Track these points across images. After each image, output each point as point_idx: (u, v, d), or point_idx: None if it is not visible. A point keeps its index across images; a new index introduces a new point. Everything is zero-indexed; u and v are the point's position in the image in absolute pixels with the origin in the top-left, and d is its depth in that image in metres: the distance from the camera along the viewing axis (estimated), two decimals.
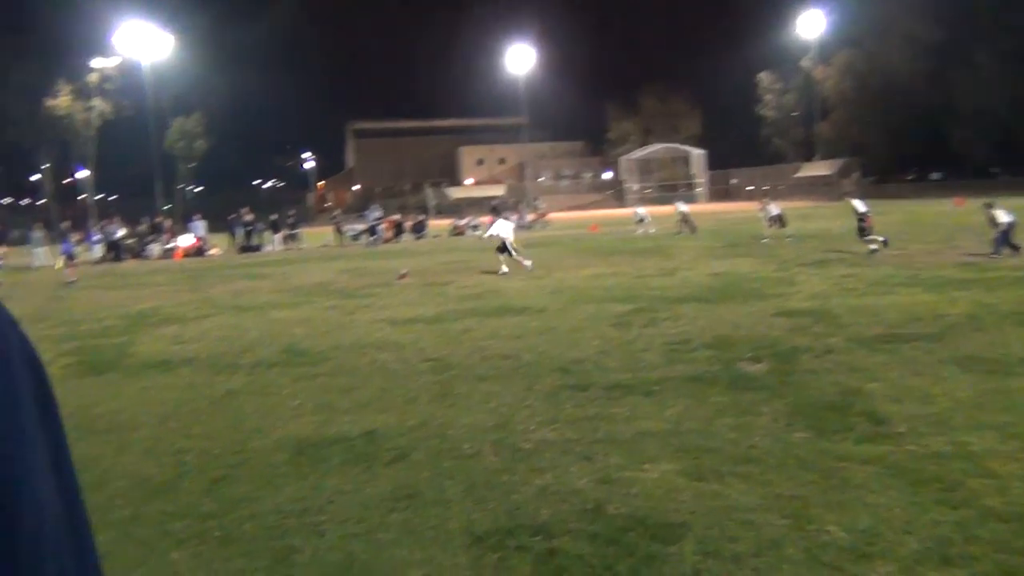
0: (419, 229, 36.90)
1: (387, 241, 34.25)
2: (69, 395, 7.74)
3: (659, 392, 6.65)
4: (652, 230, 28.66)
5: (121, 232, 32.72)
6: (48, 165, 77.55)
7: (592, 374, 7.45)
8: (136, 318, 13.60)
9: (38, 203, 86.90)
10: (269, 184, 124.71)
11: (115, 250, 31.73)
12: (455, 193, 76.82)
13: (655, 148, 76.07)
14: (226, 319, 12.92)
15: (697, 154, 74.40)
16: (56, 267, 23.40)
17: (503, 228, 18.26)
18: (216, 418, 6.69)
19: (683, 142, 77.07)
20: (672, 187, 71.05)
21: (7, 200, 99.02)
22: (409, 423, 6.18)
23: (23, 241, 35.16)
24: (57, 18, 65.83)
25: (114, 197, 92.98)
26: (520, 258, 17.60)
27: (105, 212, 55.89)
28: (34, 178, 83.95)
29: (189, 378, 8.37)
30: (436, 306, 12.88)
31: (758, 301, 11.43)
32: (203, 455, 5.68)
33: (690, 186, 72.24)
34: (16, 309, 0.87)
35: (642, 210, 30.80)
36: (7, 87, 70.12)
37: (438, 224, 42.13)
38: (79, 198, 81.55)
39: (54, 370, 9.16)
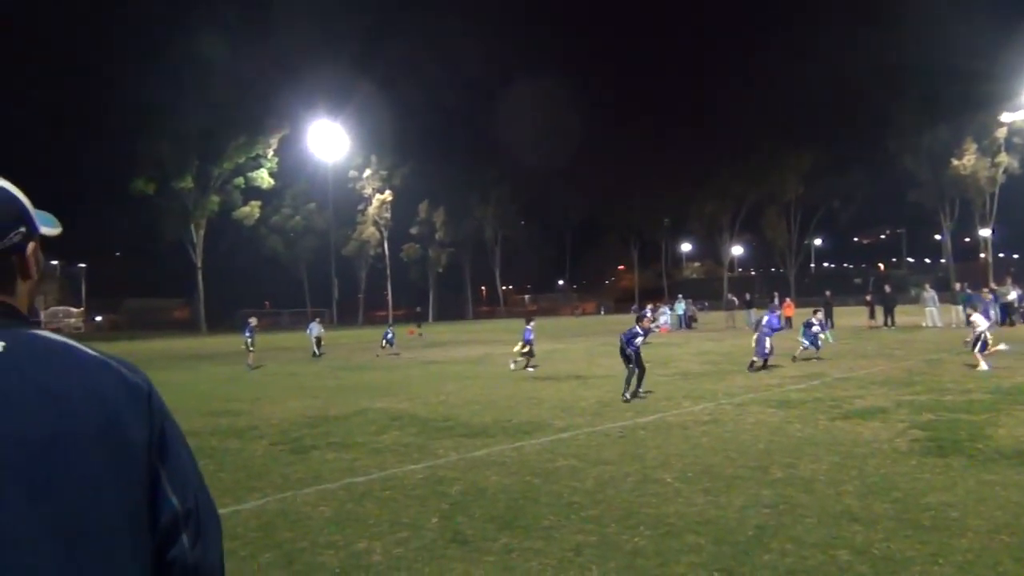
0: None
1: None
2: (902, 477, 7.27)
3: None
4: None
5: (1015, 294, 30.51)
6: (949, 225, 78.04)
7: None
8: (1007, 394, 12.25)
9: (939, 262, 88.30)
10: None
11: (1007, 313, 29.78)
12: None
13: None
14: None
15: None
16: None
17: None
18: None
19: None
20: None
21: (911, 260, 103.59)
22: None
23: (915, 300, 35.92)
24: (967, 75, 65.89)
25: (1015, 256, 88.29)
26: None
27: (1001, 271, 53.30)
28: (936, 238, 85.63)
29: None
30: None
31: None
32: None
33: None
34: None
35: None
36: (916, 150, 73.32)
37: None
38: (980, 256, 79.93)
39: (900, 442, 8.81)
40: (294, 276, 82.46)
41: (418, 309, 72.77)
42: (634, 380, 13.18)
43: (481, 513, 6.52)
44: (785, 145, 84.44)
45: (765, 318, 18.62)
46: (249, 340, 24.24)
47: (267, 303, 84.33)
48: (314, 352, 29.28)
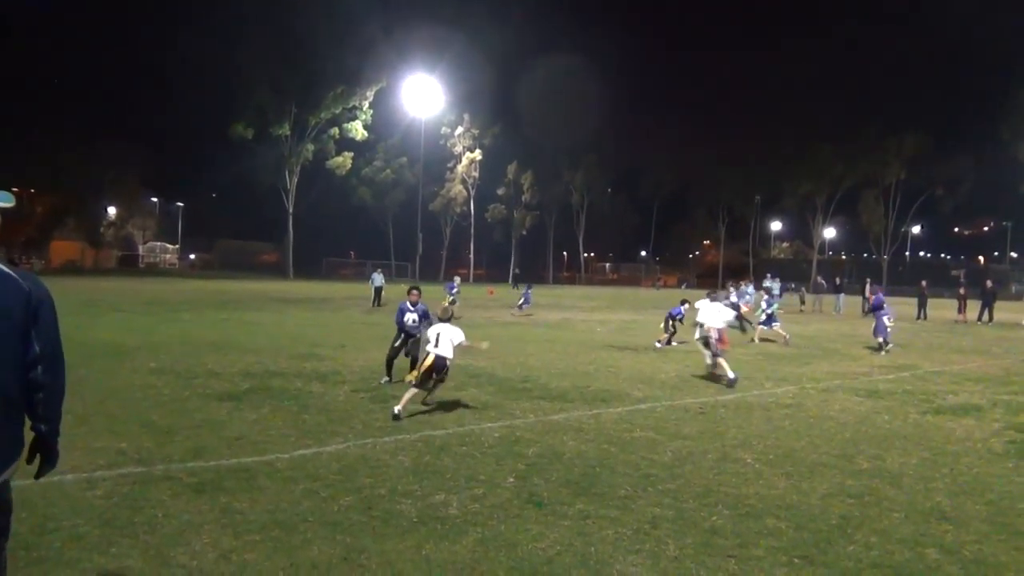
0: None
1: None
2: (996, 478, 6.96)
3: None
4: None
5: None
6: None
7: None
8: None
9: None
10: None
11: None
12: None
13: None
14: None
15: None
16: None
17: None
18: None
19: None
20: None
21: (1014, 255, 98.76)
22: None
23: None
24: None
25: None
26: None
27: None
28: None
29: None
30: None
31: None
32: None
33: None
34: None
35: None
36: None
37: None
38: None
39: (995, 442, 8.43)
40: (381, 228, 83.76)
41: (516, 271, 72.85)
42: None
43: (557, 477, 6.53)
44: (890, 127, 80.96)
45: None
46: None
47: (352, 253, 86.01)
48: (375, 302, 29.69)
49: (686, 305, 18.07)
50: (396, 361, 11.34)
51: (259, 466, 6.59)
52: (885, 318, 17.77)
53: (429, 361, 8.98)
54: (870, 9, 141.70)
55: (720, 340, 12.55)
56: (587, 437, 8.08)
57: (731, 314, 13.98)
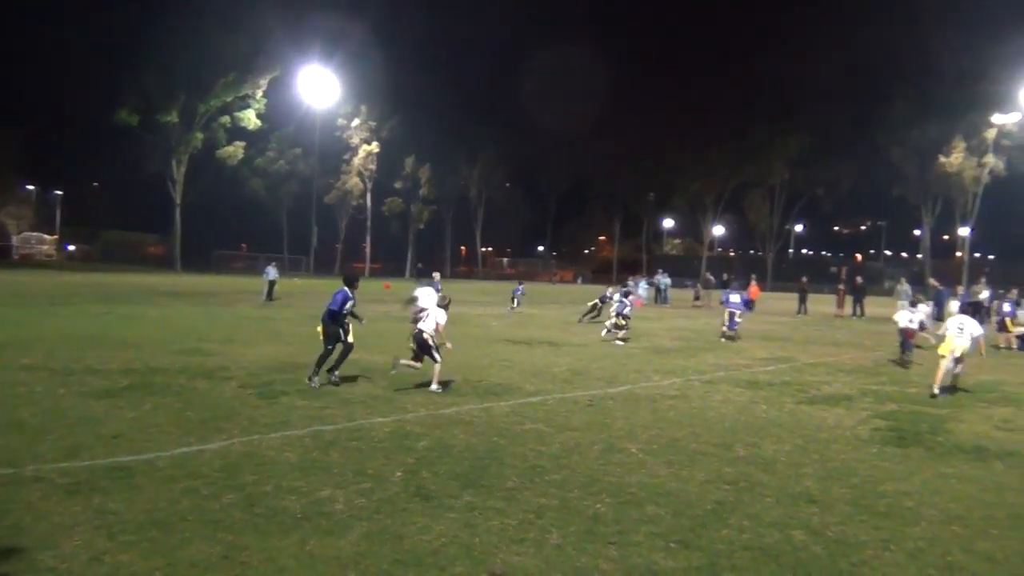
0: None
1: None
2: (861, 464, 7.40)
3: None
4: None
5: (986, 293, 30.85)
6: (928, 221, 78.76)
7: None
8: (970, 391, 12.44)
9: (916, 257, 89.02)
10: None
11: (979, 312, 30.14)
12: None
13: None
14: None
15: None
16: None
17: None
18: (1011, 537, 5.41)
19: None
20: None
21: (888, 253, 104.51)
22: None
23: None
24: (963, 74, 65.95)
25: (990, 257, 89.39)
26: None
27: (976, 273, 54.08)
28: (916, 232, 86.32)
29: (1000, 476, 7.11)
30: None
31: None
32: None
33: None
34: None
35: None
36: (905, 145, 73.67)
37: None
38: (956, 255, 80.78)
39: (862, 430, 8.95)
40: (274, 221, 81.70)
41: (420, 265, 72.17)
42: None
43: (446, 470, 6.56)
44: (775, 129, 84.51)
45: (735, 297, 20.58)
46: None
47: (244, 246, 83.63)
48: (266, 296, 29.09)
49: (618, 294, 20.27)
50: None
51: (137, 465, 6.37)
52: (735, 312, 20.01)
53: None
54: (758, 16, 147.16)
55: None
56: (477, 430, 8.15)
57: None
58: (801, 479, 6.72)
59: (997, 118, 67.11)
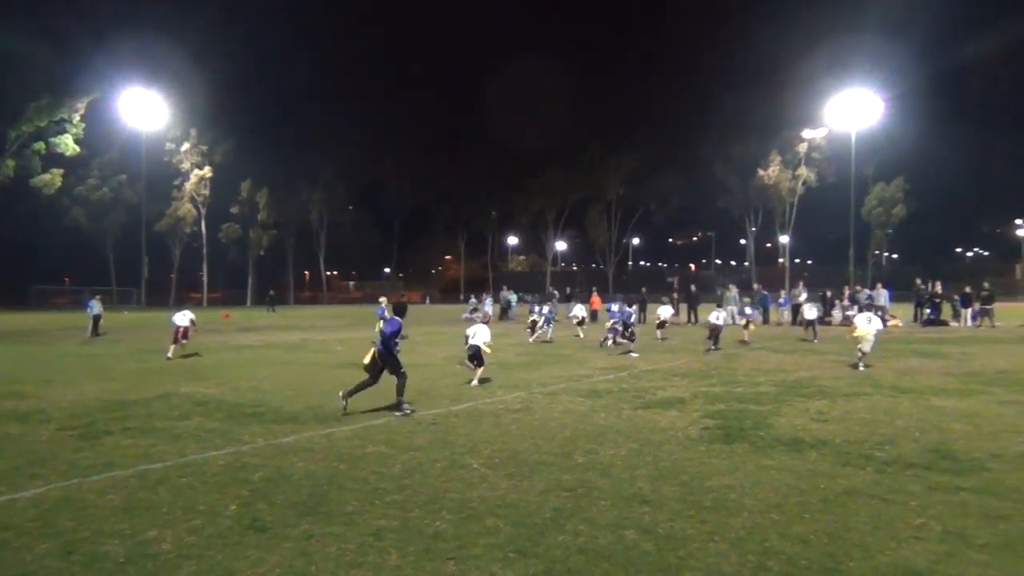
0: None
1: None
2: (690, 462, 7.78)
3: None
4: None
5: (804, 296, 33.24)
6: (753, 230, 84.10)
7: None
8: (790, 387, 13.37)
9: (744, 264, 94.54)
10: (972, 253, 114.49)
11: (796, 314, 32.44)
12: None
13: None
14: (879, 400, 11.78)
15: None
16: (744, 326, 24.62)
17: None
18: (821, 520, 5.86)
19: None
20: None
21: (719, 261, 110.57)
22: None
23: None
24: (777, 92, 71.02)
25: (809, 262, 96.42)
26: None
27: (796, 277, 58.12)
28: (742, 242, 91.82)
29: (814, 464, 7.65)
30: None
31: None
32: (789, 564, 4.96)
33: None
34: None
35: None
36: (727, 159, 78.50)
37: None
38: (779, 261, 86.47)
39: (693, 430, 9.42)
40: (99, 252, 76.70)
41: (271, 292, 69.11)
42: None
43: (283, 499, 6.38)
44: (609, 147, 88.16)
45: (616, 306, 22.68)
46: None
47: (67, 279, 78.14)
48: (92, 332, 27.48)
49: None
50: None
51: None
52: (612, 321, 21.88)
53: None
54: (591, 37, 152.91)
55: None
56: (318, 457, 7.97)
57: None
58: (635, 481, 6.98)
59: (807, 133, 72.87)
